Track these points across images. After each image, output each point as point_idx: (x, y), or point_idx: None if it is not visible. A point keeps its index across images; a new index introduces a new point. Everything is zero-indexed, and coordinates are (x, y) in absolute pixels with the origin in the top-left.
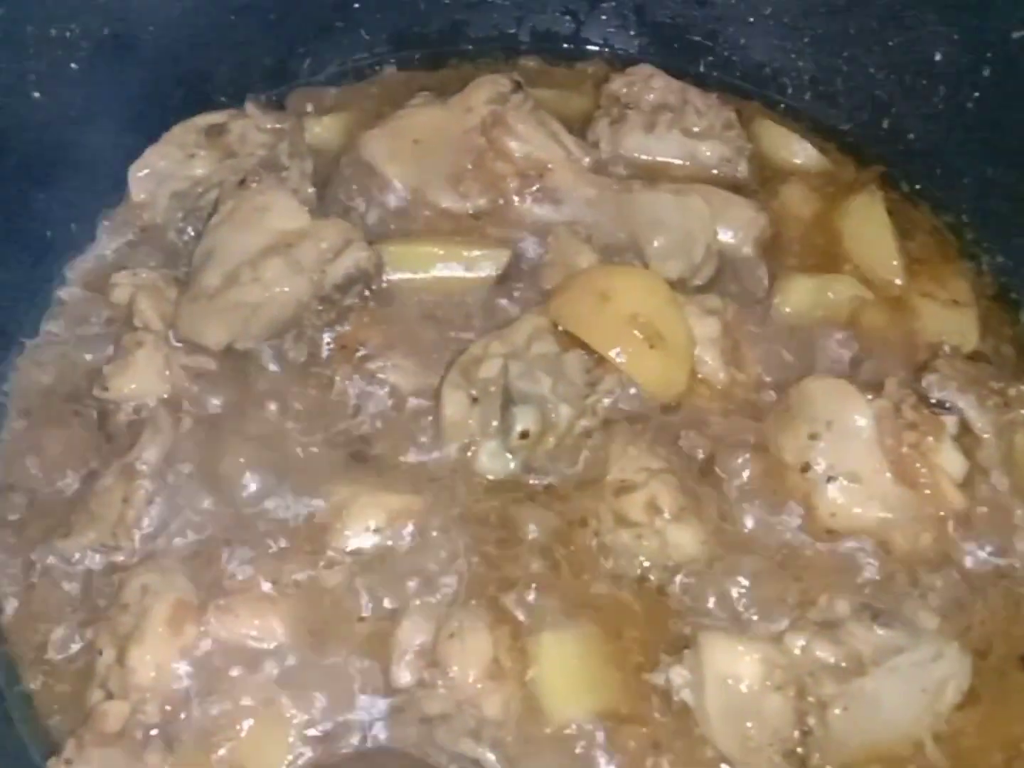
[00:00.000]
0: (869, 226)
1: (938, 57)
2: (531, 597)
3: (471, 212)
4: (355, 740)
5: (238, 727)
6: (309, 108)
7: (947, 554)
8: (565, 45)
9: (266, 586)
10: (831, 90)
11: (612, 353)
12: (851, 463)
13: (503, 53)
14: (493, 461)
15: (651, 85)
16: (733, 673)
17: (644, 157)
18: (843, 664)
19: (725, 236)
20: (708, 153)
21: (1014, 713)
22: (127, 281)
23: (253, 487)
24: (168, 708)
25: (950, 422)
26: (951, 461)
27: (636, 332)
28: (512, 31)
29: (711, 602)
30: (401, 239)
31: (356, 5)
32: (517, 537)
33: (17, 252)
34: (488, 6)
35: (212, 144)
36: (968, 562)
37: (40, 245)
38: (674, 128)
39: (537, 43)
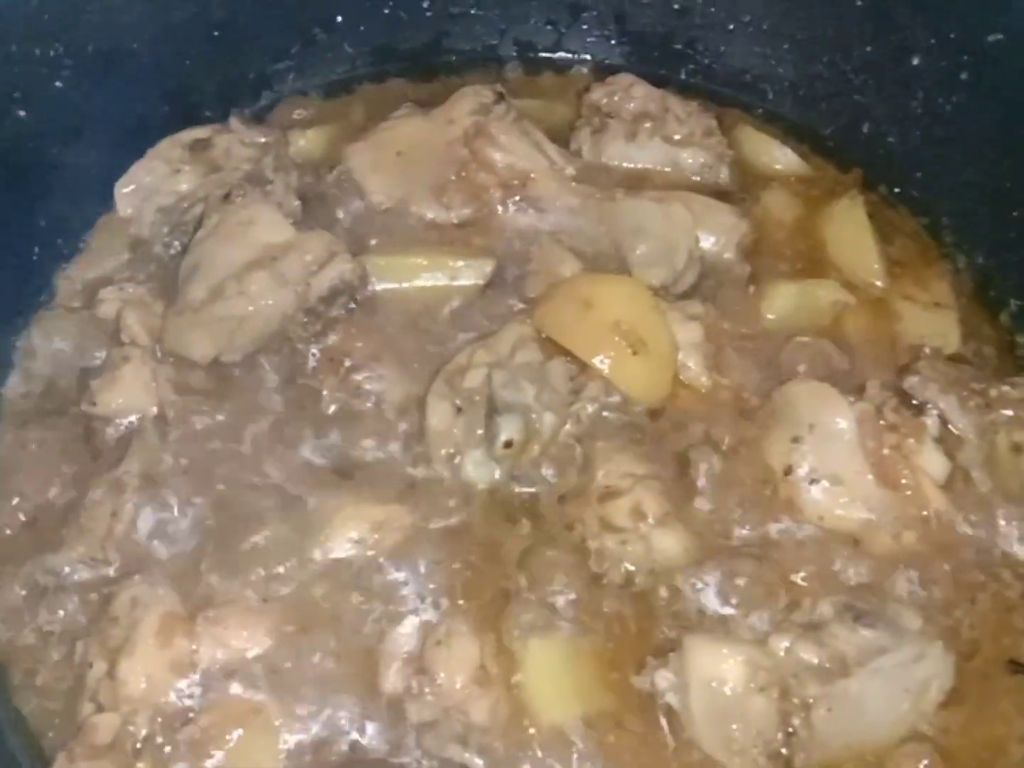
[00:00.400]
0: (850, 230)
1: (916, 61)
2: (516, 603)
3: (455, 222)
4: (343, 748)
5: (228, 737)
6: (293, 122)
7: (929, 555)
8: (548, 55)
9: (254, 597)
10: (811, 95)
11: (596, 360)
12: (833, 465)
13: (486, 64)
14: (478, 470)
15: (631, 94)
16: (717, 676)
17: (626, 165)
18: (827, 665)
19: (707, 242)
20: (689, 160)
21: (998, 714)
22: (114, 296)
23: (240, 499)
24: (159, 720)
25: (931, 424)
26: (932, 462)
27: (619, 339)
28: (495, 42)
29: (695, 606)
30: (386, 250)
31: (339, 19)
32: (502, 545)
33: (3, 268)
34: (471, 18)
35: (197, 159)
36: (950, 563)
37: (27, 261)
38: (655, 136)
39: (520, 54)
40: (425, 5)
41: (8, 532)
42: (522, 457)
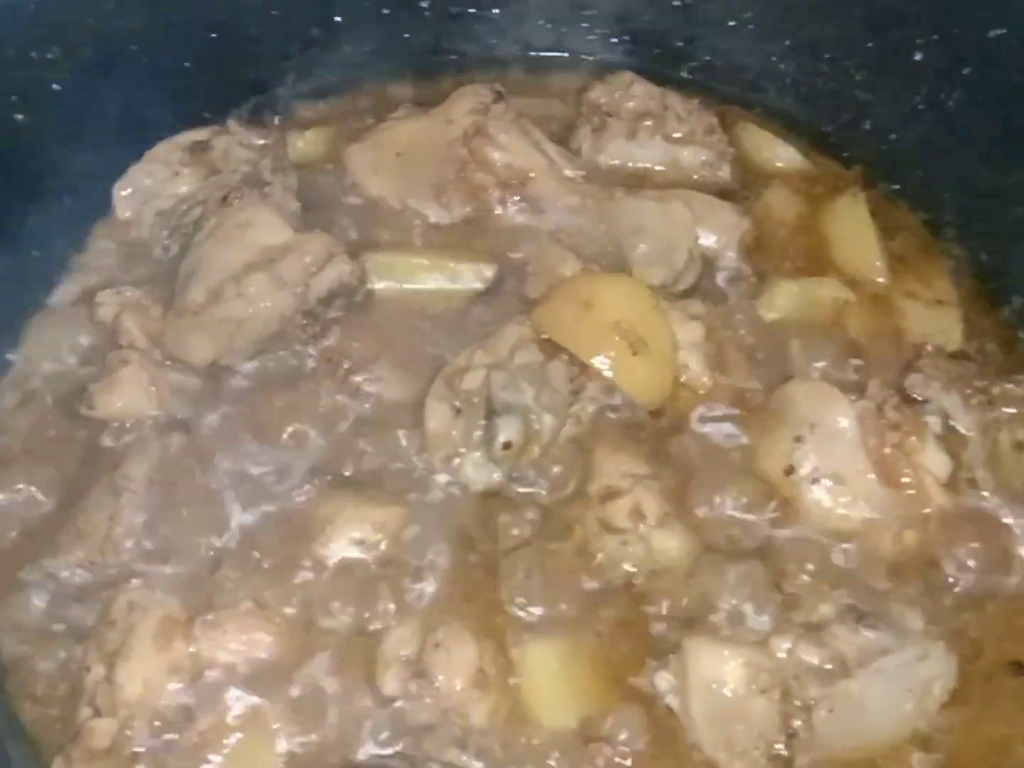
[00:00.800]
0: (852, 227)
1: (918, 57)
2: (516, 605)
3: (455, 222)
4: (342, 752)
5: (226, 741)
6: (292, 123)
7: (932, 554)
8: (547, 54)
9: (252, 600)
10: (812, 92)
11: (596, 360)
12: (835, 465)
13: (486, 64)
14: (478, 471)
15: (631, 92)
16: (718, 677)
17: (627, 164)
18: (828, 666)
19: (708, 241)
20: (690, 158)
21: (1002, 715)
22: (112, 299)
23: (239, 502)
24: (156, 724)
25: (933, 422)
26: (935, 460)
27: (619, 339)
28: (494, 42)
29: (696, 607)
30: (386, 250)
31: (338, 19)
32: (502, 546)
33: (2, 271)
34: (470, 18)
35: (196, 161)
36: (953, 561)
37: (25, 264)
38: (656, 134)
39: (520, 53)
40: (424, 5)
41: (6, 537)
42: (522, 458)
